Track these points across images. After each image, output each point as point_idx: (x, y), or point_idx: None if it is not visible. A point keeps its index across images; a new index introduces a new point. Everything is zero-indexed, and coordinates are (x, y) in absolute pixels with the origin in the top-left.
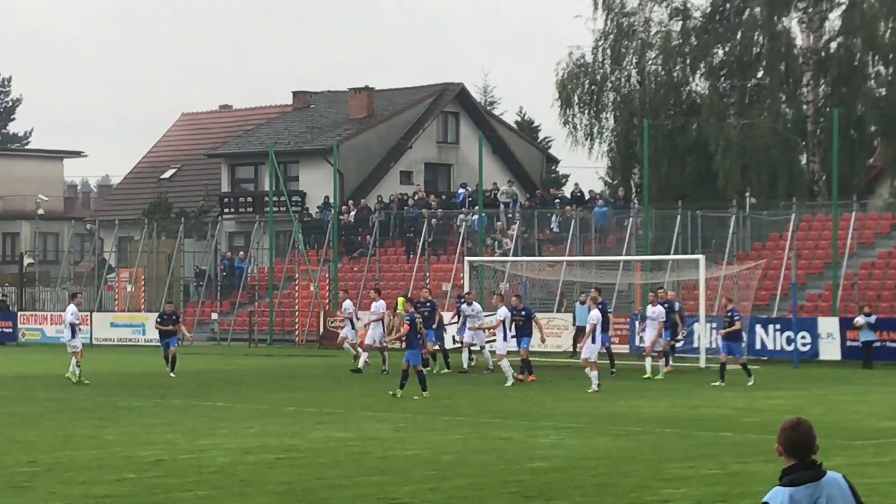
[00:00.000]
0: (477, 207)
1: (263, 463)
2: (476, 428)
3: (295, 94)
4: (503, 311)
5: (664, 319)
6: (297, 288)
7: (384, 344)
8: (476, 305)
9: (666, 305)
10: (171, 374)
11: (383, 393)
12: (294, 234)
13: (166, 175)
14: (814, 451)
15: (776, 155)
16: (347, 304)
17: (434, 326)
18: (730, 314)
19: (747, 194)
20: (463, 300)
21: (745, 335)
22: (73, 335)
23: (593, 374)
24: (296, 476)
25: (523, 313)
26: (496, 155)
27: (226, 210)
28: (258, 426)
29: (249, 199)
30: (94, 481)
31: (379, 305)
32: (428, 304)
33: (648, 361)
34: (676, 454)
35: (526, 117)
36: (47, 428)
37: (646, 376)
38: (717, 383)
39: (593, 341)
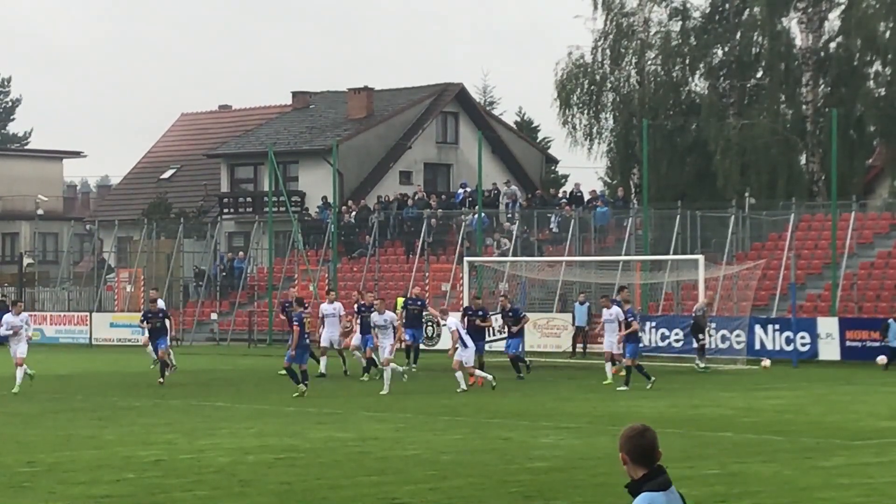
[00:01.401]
0: (477, 207)
1: (263, 463)
2: (476, 428)
3: (294, 94)
4: (389, 315)
5: (622, 320)
6: (296, 288)
7: (341, 346)
8: (337, 304)
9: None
10: (161, 381)
11: (381, 394)
12: (293, 235)
13: (166, 175)
14: (657, 459)
15: (775, 155)
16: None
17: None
18: (627, 315)
19: (746, 194)
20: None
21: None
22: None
23: (459, 375)
24: (296, 476)
25: (480, 313)
26: (496, 155)
27: (225, 210)
28: (258, 426)
29: (249, 199)
30: (94, 481)
31: (335, 308)
32: (371, 307)
33: (608, 367)
34: (676, 454)
35: (525, 117)
36: (47, 428)
37: (606, 382)
38: (622, 388)
39: (465, 346)
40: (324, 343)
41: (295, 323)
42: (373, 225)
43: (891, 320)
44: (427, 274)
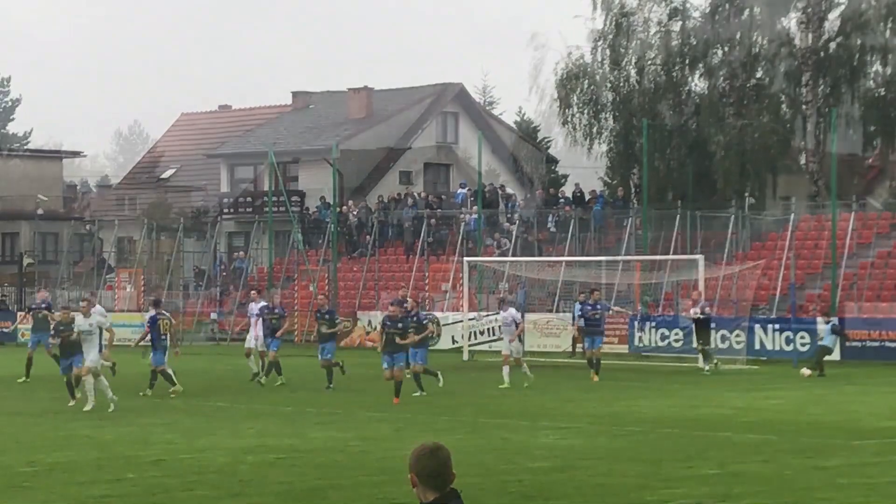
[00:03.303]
0: (476, 208)
1: (264, 463)
2: (476, 428)
3: (294, 94)
4: (95, 319)
5: (519, 323)
6: (296, 288)
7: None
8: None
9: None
10: (72, 402)
11: (382, 393)
12: (293, 235)
13: (166, 175)
14: (451, 481)
15: (775, 155)
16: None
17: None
18: (415, 318)
19: (746, 194)
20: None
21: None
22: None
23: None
24: (296, 476)
25: (400, 326)
26: (496, 155)
27: (225, 210)
28: (258, 426)
29: (249, 199)
30: (94, 481)
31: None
32: (276, 310)
33: (506, 370)
34: (676, 454)
35: (525, 117)
36: (47, 428)
37: (502, 386)
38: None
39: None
40: (248, 344)
41: (147, 324)
42: (373, 225)
43: (818, 318)
44: (427, 274)
